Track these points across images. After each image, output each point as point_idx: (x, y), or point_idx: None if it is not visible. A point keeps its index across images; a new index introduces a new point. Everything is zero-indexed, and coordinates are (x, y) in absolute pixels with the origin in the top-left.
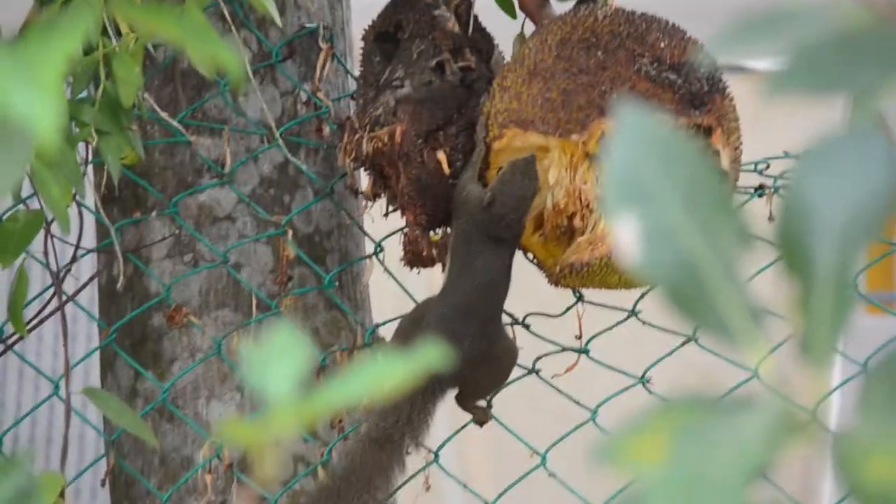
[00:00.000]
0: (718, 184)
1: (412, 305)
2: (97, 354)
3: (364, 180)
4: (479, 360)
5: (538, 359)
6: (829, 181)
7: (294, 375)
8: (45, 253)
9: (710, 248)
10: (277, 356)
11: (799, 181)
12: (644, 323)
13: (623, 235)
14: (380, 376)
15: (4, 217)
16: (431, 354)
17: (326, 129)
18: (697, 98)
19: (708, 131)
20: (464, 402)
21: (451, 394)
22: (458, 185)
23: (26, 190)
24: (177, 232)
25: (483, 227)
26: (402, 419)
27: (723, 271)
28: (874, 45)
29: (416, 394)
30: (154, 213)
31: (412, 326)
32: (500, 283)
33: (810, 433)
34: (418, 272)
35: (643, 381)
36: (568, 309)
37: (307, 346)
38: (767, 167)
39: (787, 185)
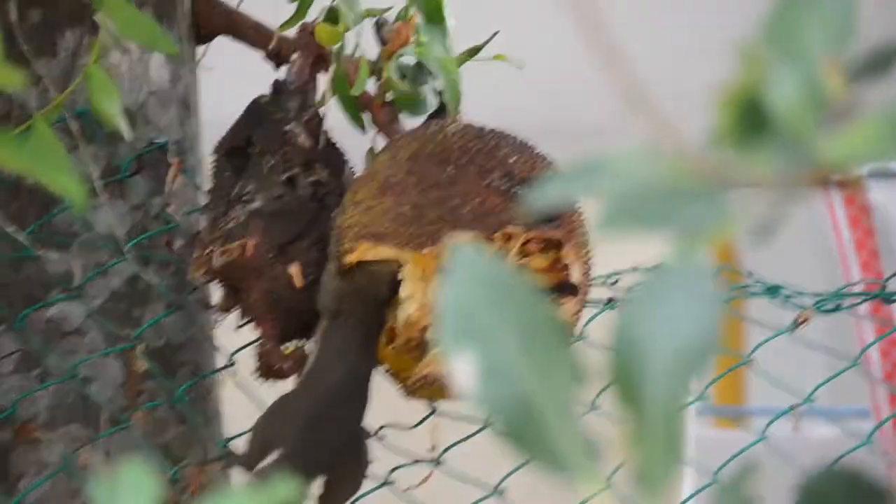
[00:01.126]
0: (552, 322)
1: None
2: None
3: (216, 294)
4: (347, 454)
5: (393, 470)
6: (658, 315)
7: None
8: None
9: (544, 385)
10: (126, 493)
11: (629, 314)
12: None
13: (459, 373)
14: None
15: None
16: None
17: (177, 244)
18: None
19: (559, 245)
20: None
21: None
22: (322, 288)
23: None
24: (24, 347)
25: (354, 307)
26: None
27: (557, 408)
28: (692, 192)
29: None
30: (1, 329)
31: (272, 420)
32: (368, 374)
33: None
34: (271, 386)
35: (496, 493)
36: (422, 421)
37: (157, 483)
38: (616, 282)
39: (617, 317)
